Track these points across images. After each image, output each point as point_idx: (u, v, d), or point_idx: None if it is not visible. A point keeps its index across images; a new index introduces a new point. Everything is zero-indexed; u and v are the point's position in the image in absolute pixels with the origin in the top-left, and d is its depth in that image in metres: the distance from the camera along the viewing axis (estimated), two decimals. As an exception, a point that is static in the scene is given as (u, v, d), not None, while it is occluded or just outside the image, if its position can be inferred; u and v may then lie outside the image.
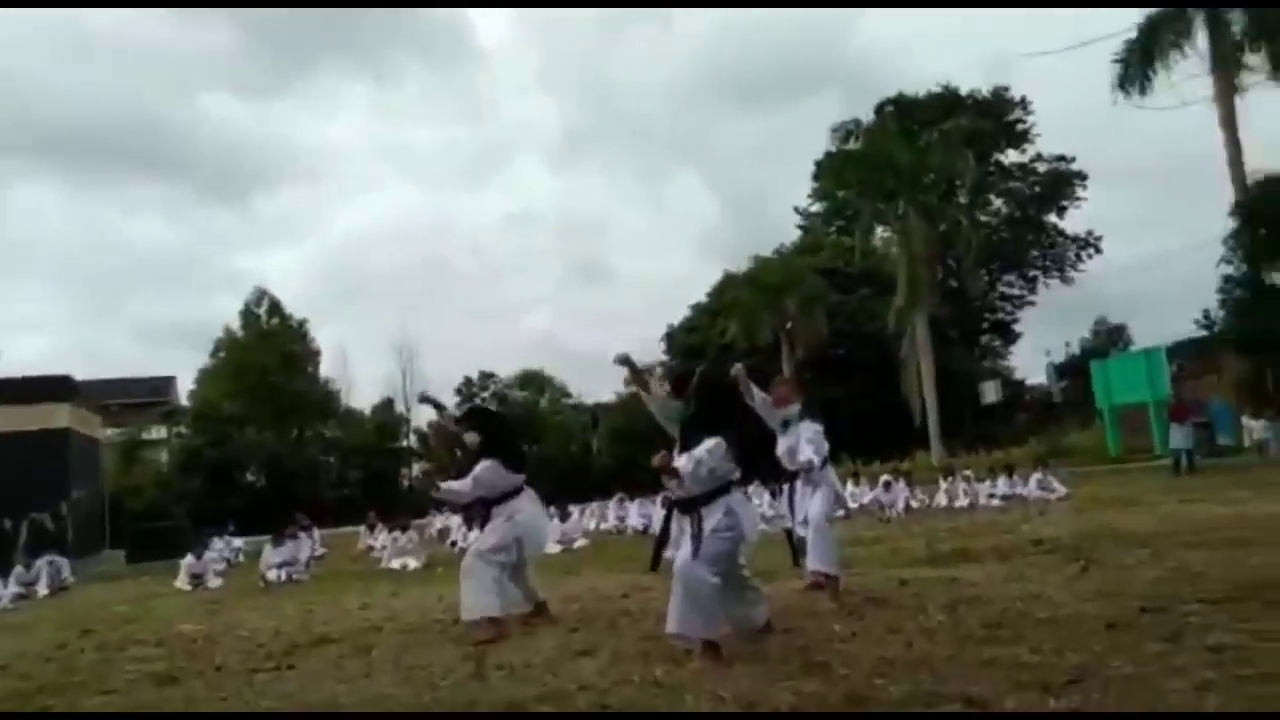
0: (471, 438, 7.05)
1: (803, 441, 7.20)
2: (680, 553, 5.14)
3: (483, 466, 6.77)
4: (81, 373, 28.27)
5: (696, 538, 5.01)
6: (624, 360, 6.18)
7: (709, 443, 5.03)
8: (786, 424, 7.36)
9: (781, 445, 7.37)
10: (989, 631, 5.10)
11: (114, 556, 24.61)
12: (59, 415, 23.76)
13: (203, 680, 5.85)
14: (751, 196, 79.24)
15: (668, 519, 5.44)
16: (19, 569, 15.15)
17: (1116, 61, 28.09)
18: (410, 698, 4.86)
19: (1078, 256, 51.23)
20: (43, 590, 14.98)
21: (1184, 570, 6.68)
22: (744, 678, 4.50)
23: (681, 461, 5.02)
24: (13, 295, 71.89)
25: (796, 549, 7.89)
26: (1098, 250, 50.67)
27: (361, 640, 6.85)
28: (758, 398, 7.09)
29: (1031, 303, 51.93)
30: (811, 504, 7.23)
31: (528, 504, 7.01)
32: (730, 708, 4.05)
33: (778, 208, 76.78)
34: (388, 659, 6.00)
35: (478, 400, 51.42)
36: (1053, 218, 50.84)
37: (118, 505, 32.45)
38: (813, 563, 7.09)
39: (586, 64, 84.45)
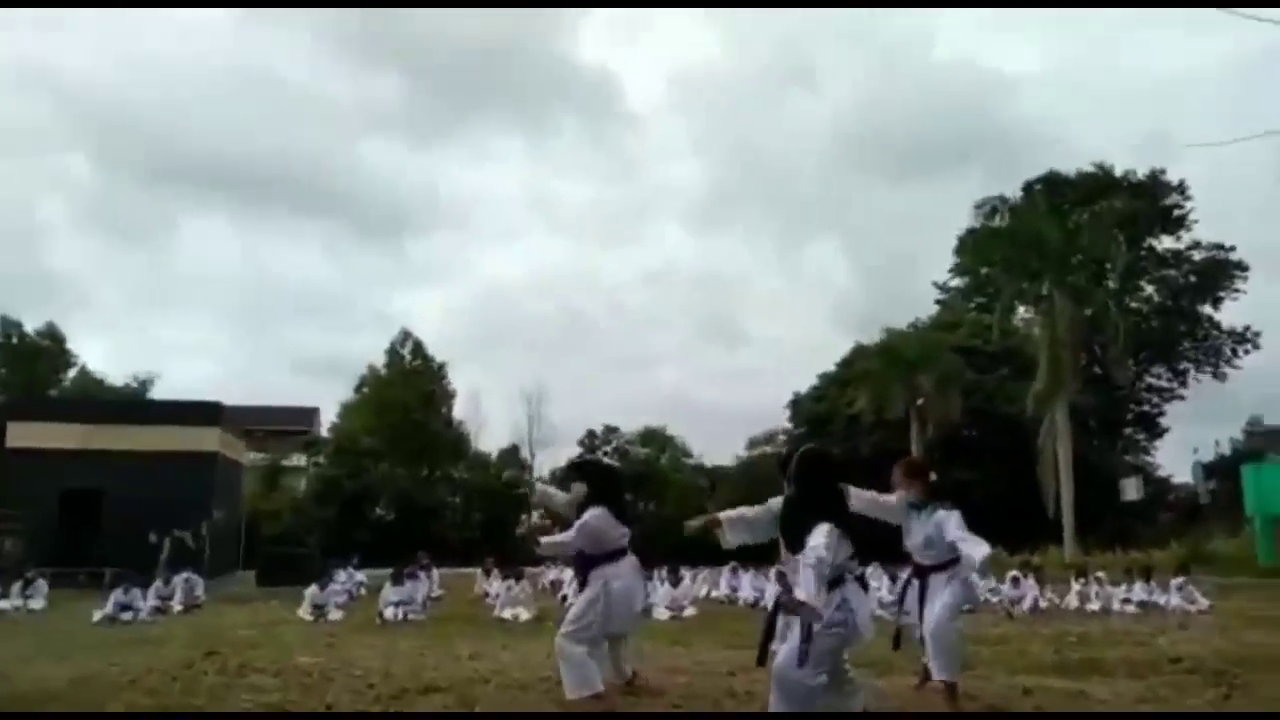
0: (579, 488, 6.93)
1: (954, 529, 6.37)
2: (784, 648, 4.82)
3: (590, 514, 6.58)
4: (231, 399, 29.95)
5: (806, 638, 4.63)
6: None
7: (821, 531, 4.68)
8: (916, 509, 6.60)
9: (916, 535, 6.61)
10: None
11: (246, 578, 25.67)
12: (208, 439, 25.16)
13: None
14: (888, 268, 78.38)
15: (774, 611, 5.08)
16: (158, 583, 15.97)
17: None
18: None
19: (1233, 351, 48.60)
20: (177, 606, 15.74)
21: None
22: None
23: (807, 585, 4.55)
24: (178, 321, 77.02)
25: (899, 637, 7.10)
26: (1255, 346, 48.01)
27: (467, 692, 6.94)
28: (862, 498, 6.15)
29: (1180, 397, 49.41)
30: (941, 595, 6.47)
31: (627, 572, 6.73)
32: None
33: (914, 281, 75.77)
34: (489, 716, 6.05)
35: (599, 453, 51.89)
36: (1208, 308, 48.46)
37: (253, 528, 33.93)
38: (934, 668, 6.44)
39: (734, 128, 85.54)
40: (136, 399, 44.92)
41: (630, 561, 6.80)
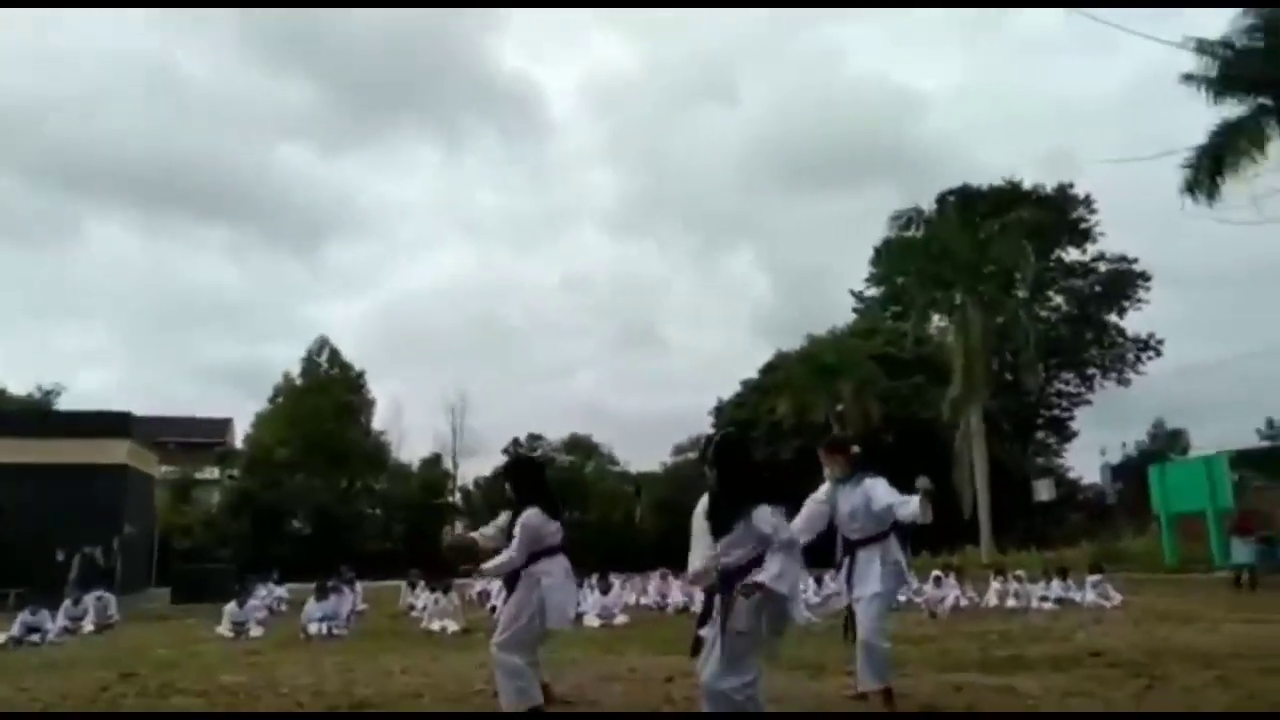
0: (503, 515, 6.81)
1: (884, 494, 6.37)
2: (710, 659, 4.72)
3: (526, 515, 6.39)
4: (140, 409, 28.92)
5: (723, 630, 4.60)
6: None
7: (769, 512, 4.64)
8: (841, 483, 6.58)
9: (843, 508, 6.55)
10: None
11: (159, 595, 24.87)
12: (117, 451, 24.27)
13: (246, 738, 5.85)
14: (803, 277, 79.88)
15: (708, 600, 4.97)
16: (67, 603, 15.34)
17: (1185, 167, 27.85)
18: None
19: (1137, 358, 50.49)
20: (88, 626, 15.14)
21: (1259, 698, 6.41)
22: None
23: (772, 569, 4.53)
24: (78, 329, 74.32)
25: (849, 625, 6.92)
26: (1158, 353, 49.98)
27: (402, 707, 6.81)
28: (804, 525, 6.43)
29: (1088, 402, 51.20)
30: (870, 582, 6.40)
31: (559, 570, 6.49)
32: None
33: (830, 290, 77.37)
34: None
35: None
36: (1113, 317, 50.26)
37: (165, 543, 32.88)
38: (862, 676, 6.43)
39: (650, 138, 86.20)
40: (38, 409, 43.09)
41: (561, 561, 6.57)
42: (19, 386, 47.77)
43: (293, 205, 79.25)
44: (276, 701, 7.27)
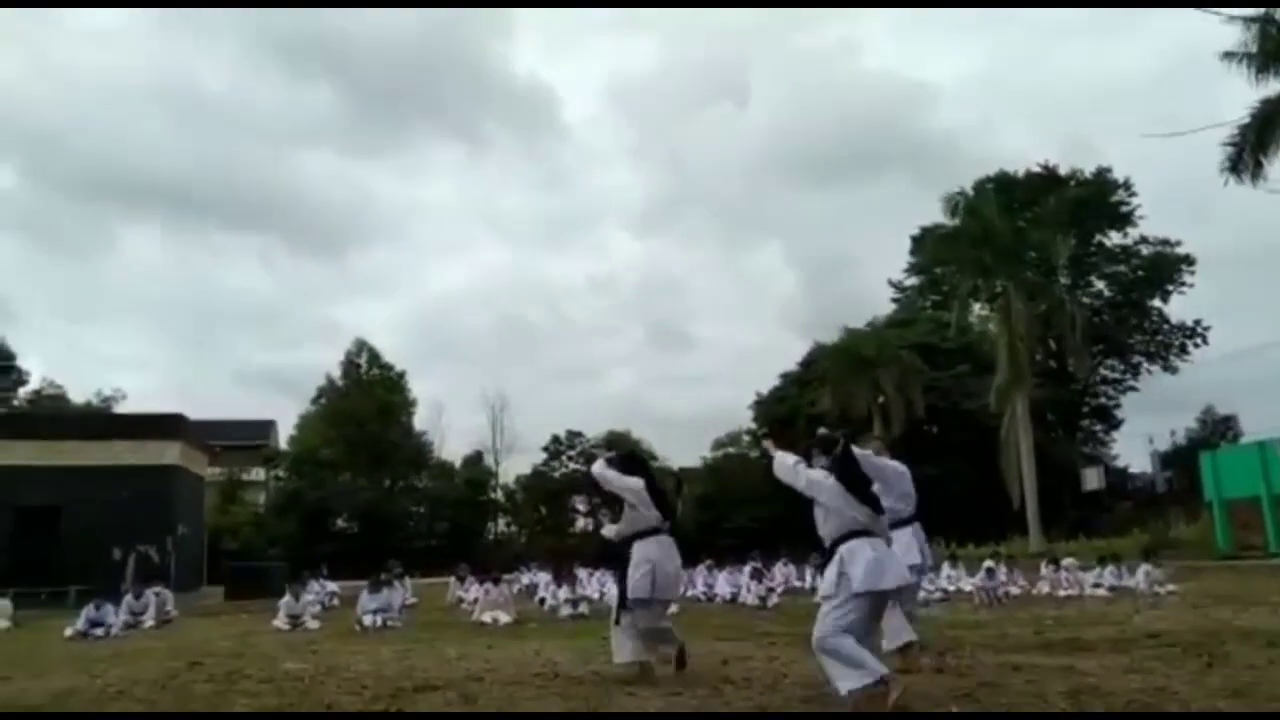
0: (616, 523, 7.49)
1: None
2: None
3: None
4: (186, 413, 29.36)
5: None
6: None
7: None
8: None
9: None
10: (1118, 724, 4.92)
11: (212, 593, 25.30)
12: (170, 452, 24.74)
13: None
14: (831, 269, 79.69)
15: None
16: (129, 598, 15.64)
17: (1228, 145, 27.39)
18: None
19: (1183, 346, 49.65)
20: (149, 621, 15.44)
21: (1322, 674, 6.34)
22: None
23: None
24: (119, 335, 75.66)
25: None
26: (1204, 340, 49.07)
27: (466, 689, 6.91)
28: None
29: (1134, 388, 50.51)
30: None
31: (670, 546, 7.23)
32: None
33: (860, 281, 76.81)
34: (495, 708, 6.03)
35: (564, 458, 51.87)
36: (1157, 302, 49.50)
37: (214, 543, 33.43)
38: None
39: (669, 138, 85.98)
40: (94, 412, 43.96)
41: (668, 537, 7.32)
42: (76, 394, 48.75)
43: (318, 210, 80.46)
44: (343, 684, 7.41)
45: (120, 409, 47.75)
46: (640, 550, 7.08)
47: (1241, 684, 6.06)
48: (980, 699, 5.81)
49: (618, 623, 7.15)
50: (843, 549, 5.64)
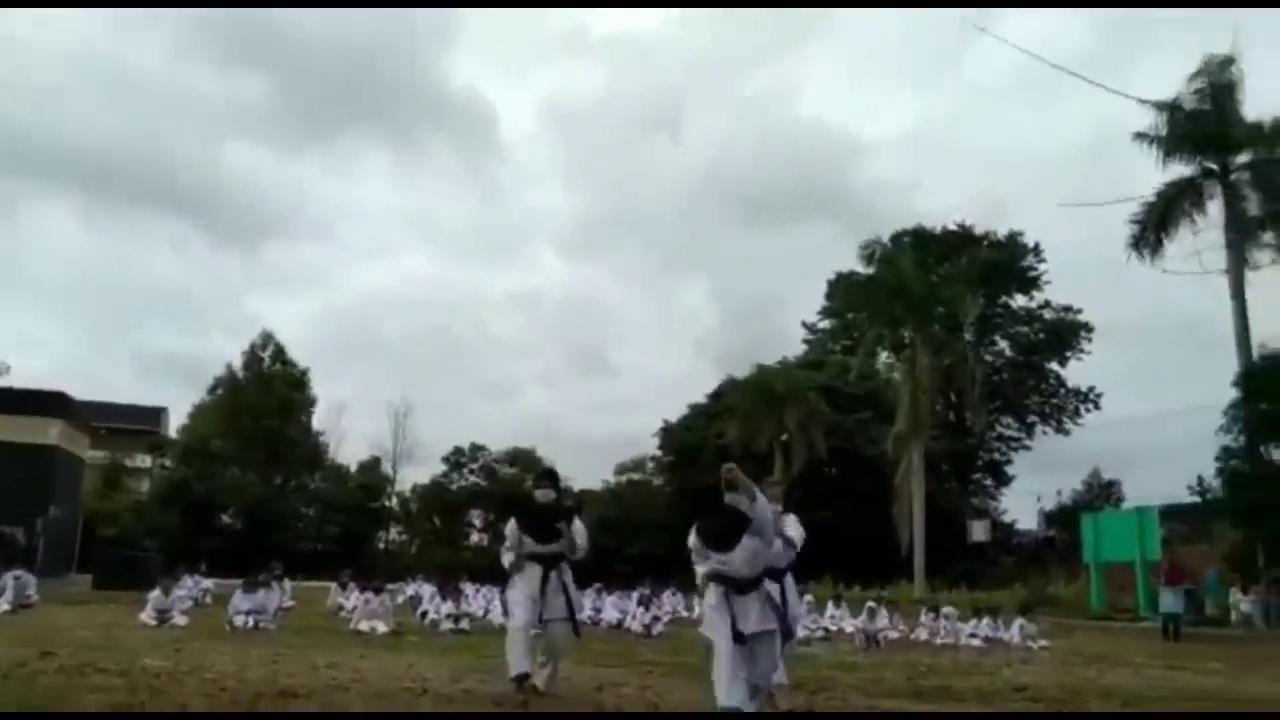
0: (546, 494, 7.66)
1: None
2: None
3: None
4: (75, 394, 28.13)
5: None
6: None
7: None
8: None
9: None
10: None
11: (81, 580, 24.20)
12: (49, 431, 23.66)
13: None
14: (751, 307, 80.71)
15: None
16: (-15, 581, 14.86)
17: (1133, 223, 28.68)
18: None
19: (1076, 409, 51.48)
20: (5, 605, 14.69)
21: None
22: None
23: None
24: (17, 312, 72.34)
25: None
26: (1096, 405, 50.97)
27: (329, 699, 6.71)
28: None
29: (1027, 447, 52.07)
30: None
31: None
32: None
33: (777, 321, 78.19)
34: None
35: (465, 471, 51.23)
36: (1055, 365, 51.24)
37: (90, 529, 32.03)
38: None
39: (601, 164, 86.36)
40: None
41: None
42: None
43: (240, 201, 78.28)
44: (201, 685, 7.12)
45: (3, 383, 45.57)
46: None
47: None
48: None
49: None
50: None
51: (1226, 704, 8.65)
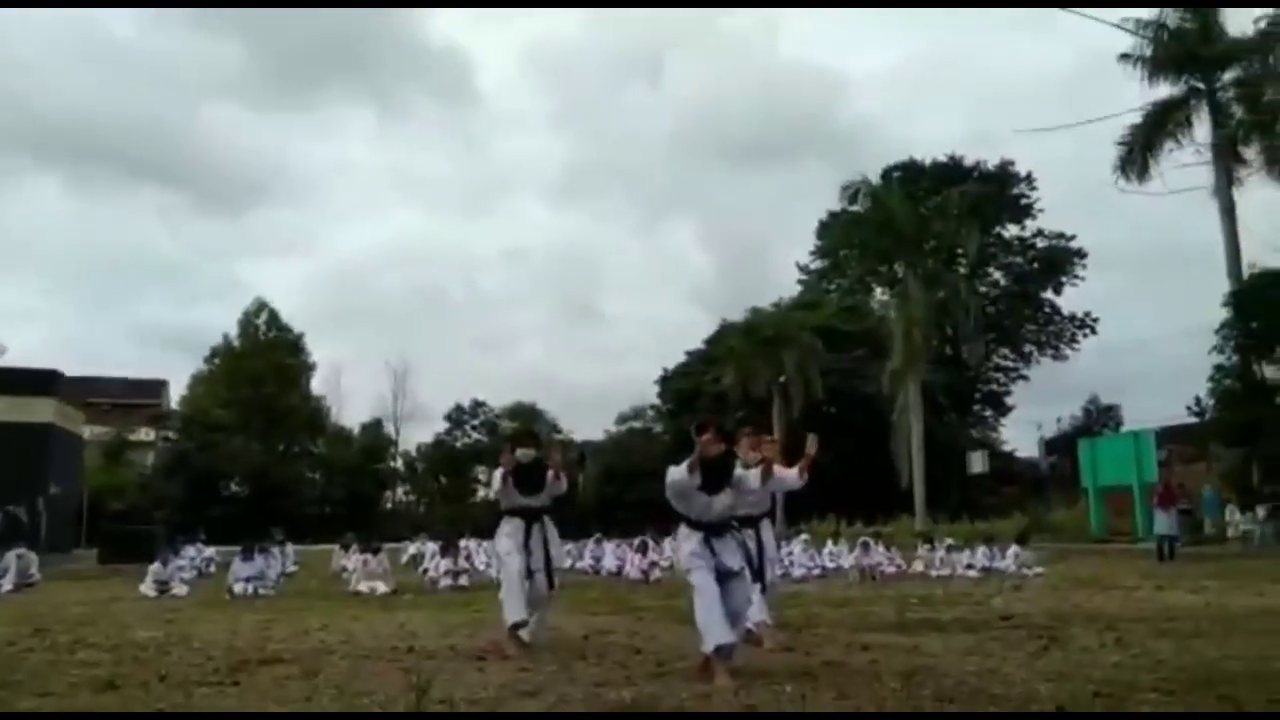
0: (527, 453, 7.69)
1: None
2: None
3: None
4: (73, 370, 28.21)
5: None
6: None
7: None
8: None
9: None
10: (938, 705, 5.04)
11: (86, 556, 24.40)
12: (42, 409, 23.72)
13: (144, 690, 5.75)
14: (744, 250, 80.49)
15: None
16: (-14, 561, 14.99)
17: (1120, 145, 28.43)
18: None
19: (1073, 336, 51.50)
20: (8, 585, 14.83)
21: (1147, 657, 6.61)
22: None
23: None
24: (9, 287, 72.20)
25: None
26: (1093, 331, 51.03)
27: (311, 663, 6.76)
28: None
29: (1025, 377, 52.23)
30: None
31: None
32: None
33: (771, 263, 77.96)
34: (333, 684, 5.90)
35: (467, 427, 51.41)
36: (1050, 294, 51.15)
37: (96, 504, 32.24)
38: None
39: (585, 112, 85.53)
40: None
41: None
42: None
43: (224, 165, 77.94)
44: (186, 655, 7.19)
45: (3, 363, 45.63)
46: None
47: (1070, 666, 6.27)
48: (818, 676, 5.90)
49: None
50: None
51: (1209, 620, 8.72)
